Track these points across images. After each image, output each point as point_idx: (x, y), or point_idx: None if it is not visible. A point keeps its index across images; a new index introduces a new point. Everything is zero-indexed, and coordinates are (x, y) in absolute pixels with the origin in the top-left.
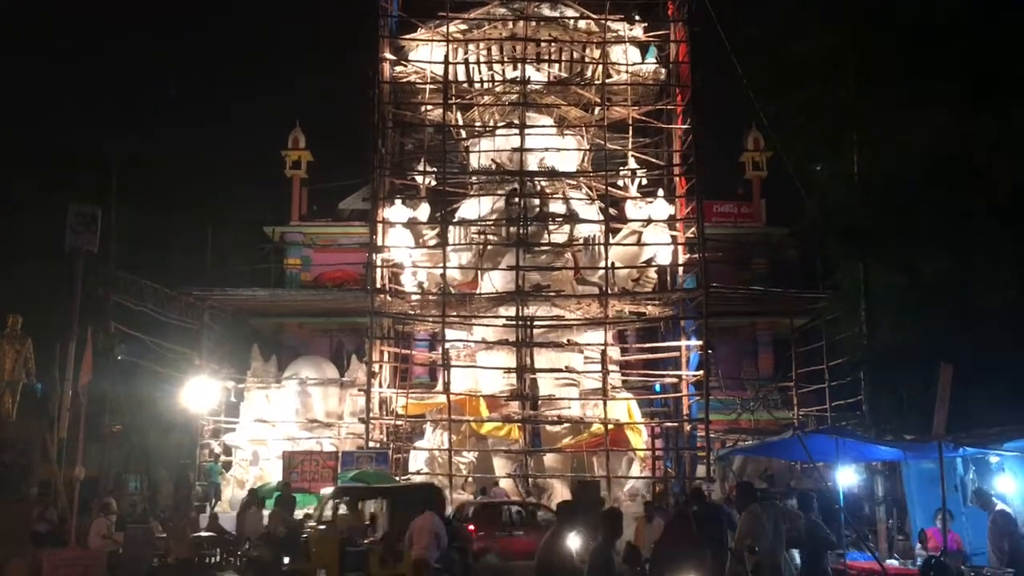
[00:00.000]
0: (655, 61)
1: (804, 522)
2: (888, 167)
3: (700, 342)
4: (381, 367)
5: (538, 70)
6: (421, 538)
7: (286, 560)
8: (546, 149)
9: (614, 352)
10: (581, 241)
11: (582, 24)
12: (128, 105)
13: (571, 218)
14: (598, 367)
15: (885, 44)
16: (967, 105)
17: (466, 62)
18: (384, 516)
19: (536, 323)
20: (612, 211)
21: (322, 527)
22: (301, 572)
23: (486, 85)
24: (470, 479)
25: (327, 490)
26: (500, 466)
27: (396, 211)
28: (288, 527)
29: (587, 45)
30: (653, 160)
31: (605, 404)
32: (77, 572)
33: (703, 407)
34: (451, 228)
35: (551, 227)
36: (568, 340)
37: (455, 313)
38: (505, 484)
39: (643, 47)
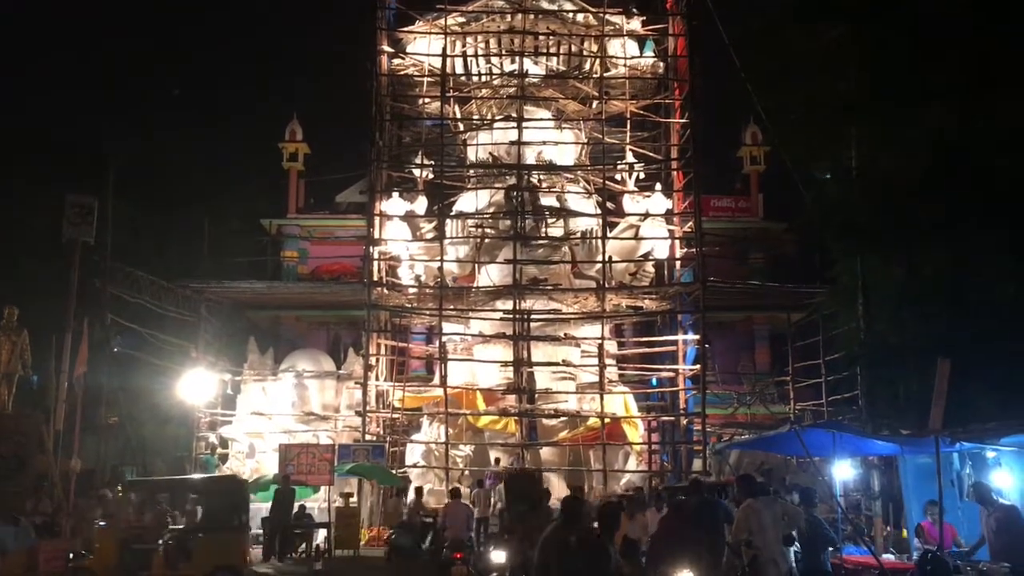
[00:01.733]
0: (653, 55)
1: (805, 518)
2: (886, 162)
3: (697, 336)
4: (378, 360)
5: (536, 63)
6: (456, 520)
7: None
8: (544, 143)
9: (611, 346)
10: (578, 235)
11: (580, 17)
12: (125, 97)
13: (564, 211)
14: (595, 361)
15: (885, 39)
16: (966, 100)
17: (464, 55)
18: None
19: (533, 317)
20: (610, 205)
21: (102, 523)
22: (84, 569)
23: (484, 78)
24: (466, 472)
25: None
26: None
27: (393, 204)
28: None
29: (585, 38)
30: (651, 154)
31: (602, 398)
32: (72, 563)
33: (699, 401)
34: (448, 221)
35: (549, 220)
36: (565, 334)
37: (452, 307)
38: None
39: (641, 41)
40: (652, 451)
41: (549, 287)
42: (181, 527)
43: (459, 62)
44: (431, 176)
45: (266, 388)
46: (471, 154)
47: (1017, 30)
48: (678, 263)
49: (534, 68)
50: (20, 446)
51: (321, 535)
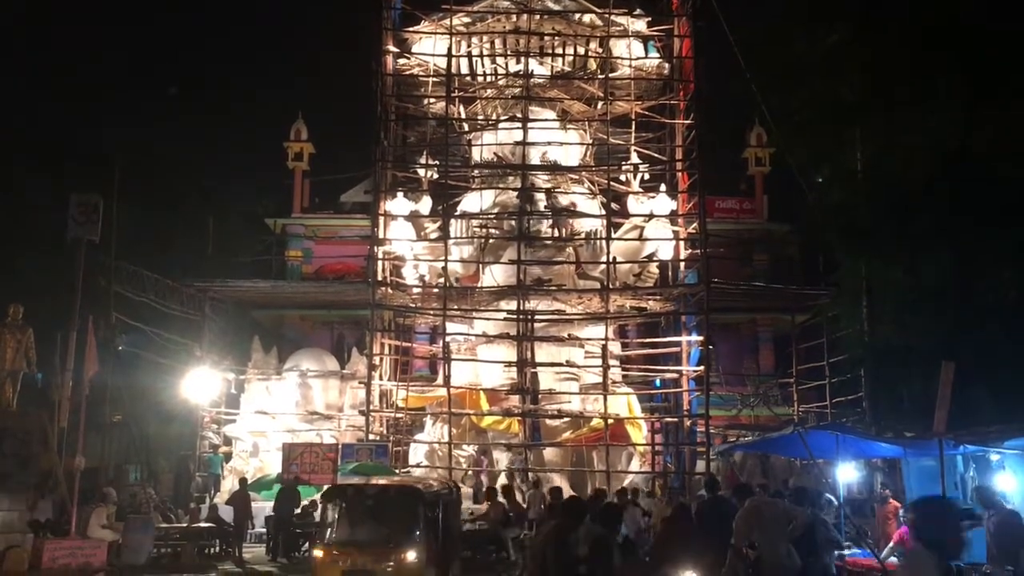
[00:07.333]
0: (659, 56)
1: (809, 519)
2: (890, 165)
3: (701, 337)
4: (382, 360)
5: (541, 64)
6: None
7: None
8: (548, 143)
9: (615, 347)
10: (583, 236)
11: (586, 18)
12: (130, 95)
13: (570, 212)
14: (599, 362)
15: (889, 41)
16: (970, 103)
17: (469, 55)
18: None
19: (537, 317)
20: (614, 206)
21: None
22: None
23: (489, 78)
24: (470, 472)
25: None
26: (500, 459)
27: (398, 204)
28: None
29: (590, 39)
30: (655, 155)
31: (605, 399)
32: (77, 561)
33: (703, 403)
34: (453, 221)
35: (556, 220)
36: (569, 335)
37: (456, 306)
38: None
39: (646, 42)
40: (655, 452)
41: (553, 288)
42: None
43: (464, 62)
44: (435, 176)
45: (270, 387)
46: (476, 154)
47: (1019, 31)
48: (682, 264)
49: (539, 68)
50: (24, 444)
51: None
